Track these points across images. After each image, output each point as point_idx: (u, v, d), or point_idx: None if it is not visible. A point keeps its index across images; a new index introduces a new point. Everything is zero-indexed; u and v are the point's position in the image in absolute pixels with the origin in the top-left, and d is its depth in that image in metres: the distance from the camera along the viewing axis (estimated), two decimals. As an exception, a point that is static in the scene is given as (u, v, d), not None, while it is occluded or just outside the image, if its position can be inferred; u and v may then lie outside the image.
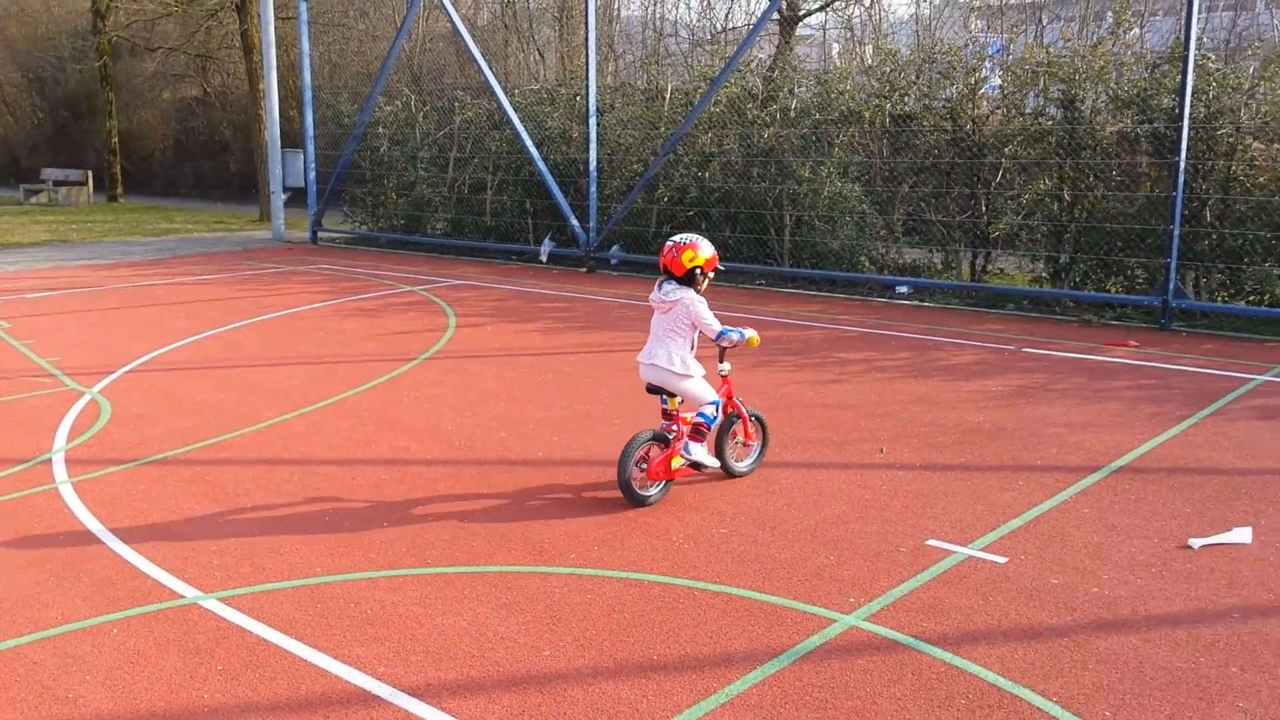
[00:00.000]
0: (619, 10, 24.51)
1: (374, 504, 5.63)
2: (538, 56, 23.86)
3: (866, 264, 13.12)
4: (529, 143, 15.43)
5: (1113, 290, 11.48)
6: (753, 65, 15.18)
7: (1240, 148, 10.73)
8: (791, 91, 13.89)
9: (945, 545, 4.99)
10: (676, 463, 5.60)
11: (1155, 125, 10.97)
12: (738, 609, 4.36)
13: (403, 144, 17.95)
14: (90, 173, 29.98)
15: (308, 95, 18.55)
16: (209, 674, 3.89)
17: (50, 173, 30.40)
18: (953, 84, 12.67)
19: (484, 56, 17.17)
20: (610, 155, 15.23)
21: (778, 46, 20.64)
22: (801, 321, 10.96)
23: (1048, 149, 11.75)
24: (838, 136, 13.16)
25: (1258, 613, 4.30)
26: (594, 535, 5.16)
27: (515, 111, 15.80)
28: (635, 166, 15.06)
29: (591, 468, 6.20)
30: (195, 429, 7.05)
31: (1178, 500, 5.59)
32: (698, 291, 5.55)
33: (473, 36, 17.98)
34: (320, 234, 18.96)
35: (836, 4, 22.05)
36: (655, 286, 5.62)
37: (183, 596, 4.53)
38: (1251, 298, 10.80)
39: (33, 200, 28.74)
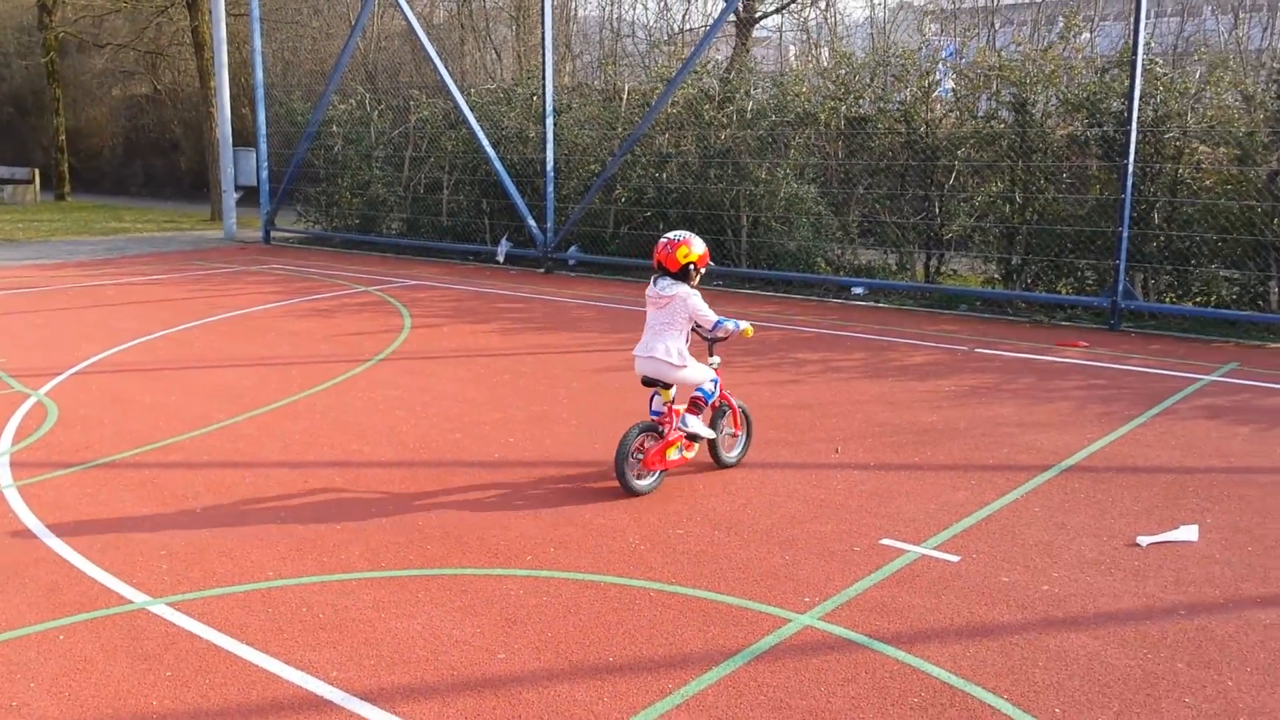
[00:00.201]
0: (576, 10, 24.49)
1: (327, 507, 5.57)
2: (494, 56, 23.76)
3: (822, 265, 13.20)
4: (485, 142, 15.37)
5: (1063, 291, 11.64)
6: (709, 67, 15.22)
7: (1187, 151, 10.93)
8: (748, 93, 13.95)
9: (899, 544, 5.03)
10: (671, 454, 5.75)
11: (1104, 129, 11.14)
12: (694, 610, 4.37)
13: (357, 143, 17.79)
14: (37, 171, 29.40)
15: (260, 93, 18.33)
16: (158, 680, 3.83)
17: (-5, 170, 29.80)
18: (907, 87, 12.79)
19: (440, 55, 17.07)
20: (567, 155, 15.21)
21: (734, 48, 20.71)
22: (758, 322, 10.99)
23: (1000, 152, 11.89)
24: (794, 138, 13.24)
25: (1204, 610, 4.37)
26: (550, 537, 5.14)
27: (472, 111, 15.72)
28: (593, 167, 15.05)
29: (549, 469, 6.18)
30: (144, 431, 6.94)
31: (1126, 499, 5.67)
32: (691, 286, 5.73)
33: (429, 35, 17.87)
34: (273, 233, 18.75)
35: (792, 6, 22.18)
36: (651, 283, 5.77)
37: (131, 601, 4.46)
38: (1199, 299, 11.00)
39: (-23, 198, 28.16)
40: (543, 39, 14.53)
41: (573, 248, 14.83)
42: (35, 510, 5.49)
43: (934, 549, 4.98)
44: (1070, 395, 7.90)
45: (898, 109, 12.65)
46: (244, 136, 21.58)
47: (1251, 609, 4.38)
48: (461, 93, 16.07)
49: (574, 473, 6.11)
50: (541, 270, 14.94)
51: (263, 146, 18.46)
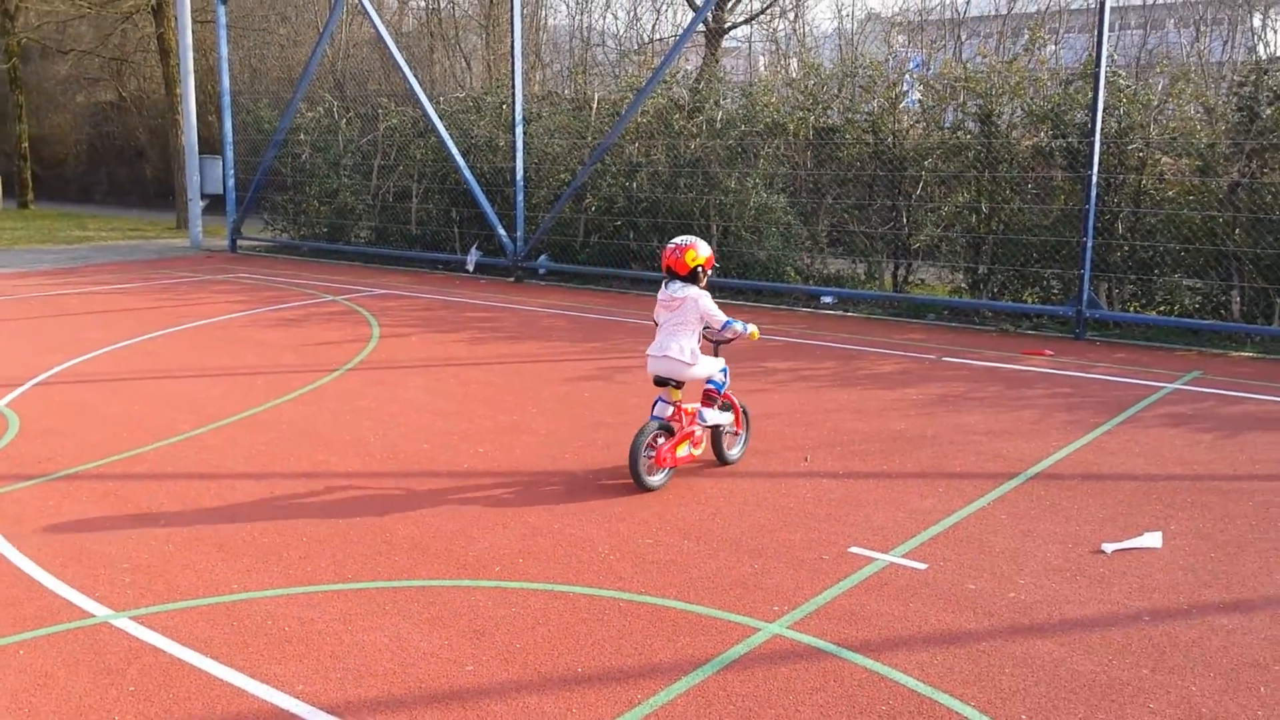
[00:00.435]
0: (546, 19, 24.50)
1: (292, 518, 5.52)
2: (464, 64, 23.71)
3: (792, 274, 13.26)
4: (455, 151, 15.33)
5: (1029, 300, 11.75)
6: (679, 76, 15.27)
7: (1150, 162, 11.07)
8: (717, 103, 14.00)
9: (867, 552, 5.05)
10: (681, 450, 5.98)
11: (1069, 140, 11.26)
12: (663, 619, 4.36)
13: (325, 151, 17.70)
14: (-1, 178, 29.06)
15: (226, 100, 18.20)
16: (120, 695, 3.78)
17: (-43, 178, 29.38)
18: (874, 98, 12.88)
19: (409, 63, 17.02)
20: (537, 164, 15.19)
21: (704, 58, 20.79)
22: (727, 331, 11.02)
23: (966, 162, 12.00)
24: (763, 148, 13.30)
25: (1167, 615, 4.42)
26: (519, 548, 5.12)
27: (441, 119, 15.68)
28: (563, 176, 15.04)
29: (518, 479, 6.16)
30: (107, 443, 6.85)
31: (1092, 506, 5.73)
32: (700, 288, 5.97)
33: (397, 43, 17.81)
34: (240, 242, 18.60)
35: (761, 17, 22.31)
36: (662, 286, 6.03)
37: (93, 615, 4.39)
38: (1162, 308, 11.13)
39: (-62, 206, 27.75)
40: (512, 48, 14.53)
41: (543, 256, 14.81)
42: (-5, 523, 5.41)
43: (902, 557, 5.00)
44: (1036, 403, 7.97)
45: (865, 119, 12.74)
46: (210, 144, 21.39)
47: (1214, 614, 4.43)
48: (431, 101, 16.02)
49: (543, 483, 6.09)
50: (511, 279, 14.91)
51: (229, 154, 18.32)
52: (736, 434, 6.47)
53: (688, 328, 5.95)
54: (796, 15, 22.22)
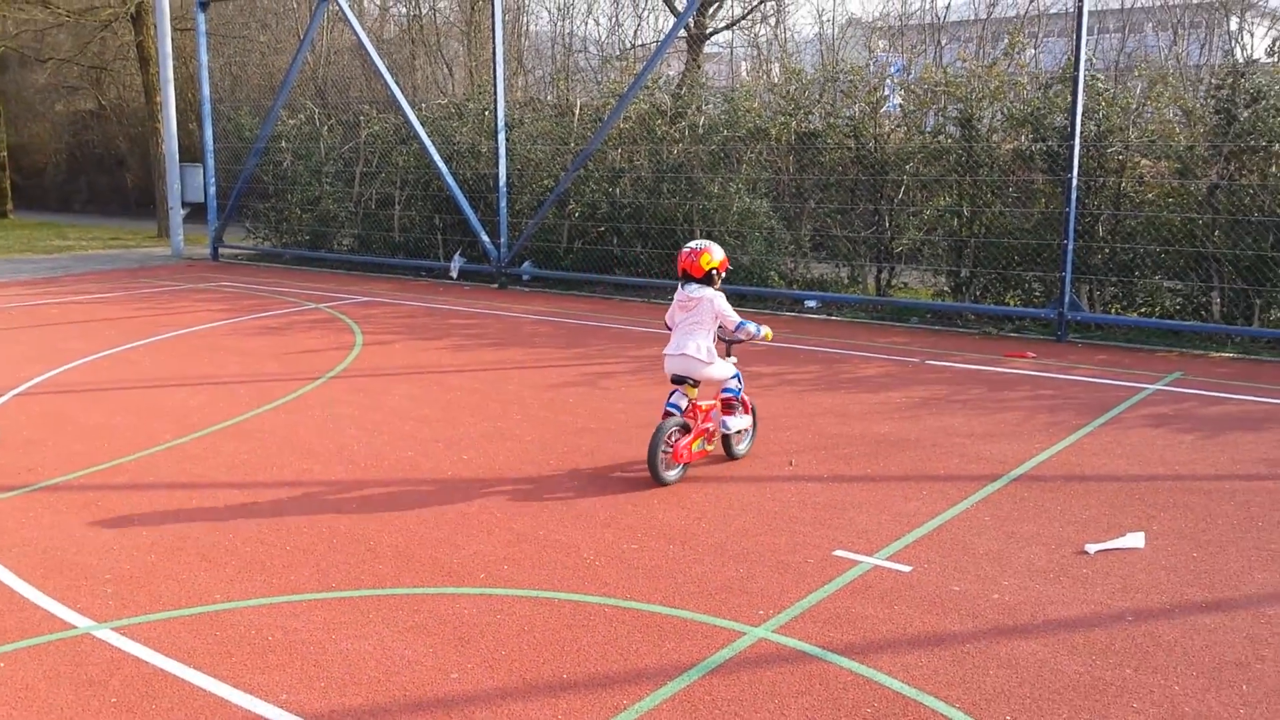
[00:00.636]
0: (528, 25, 24.49)
1: (275, 527, 5.49)
2: (446, 71, 23.69)
3: (775, 278, 13.28)
4: (437, 158, 15.30)
5: (1011, 303, 11.80)
6: (661, 82, 15.29)
7: (1129, 165, 11.13)
8: (700, 108, 14.02)
9: (852, 555, 5.06)
10: (695, 447, 6.19)
11: (1049, 143, 11.32)
12: (648, 625, 4.36)
13: (307, 158, 17.64)
14: (-22, 188, 28.83)
15: (206, 108, 18.12)
16: (102, 707, 3.75)
17: (-66, 188, 29.13)
18: (855, 102, 12.92)
19: (391, 70, 16.98)
20: (520, 171, 15.18)
21: (686, 64, 20.83)
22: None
23: (947, 166, 12.04)
24: (746, 153, 13.32)
25: (1150, 615, 4.44)
26: (504, 554, 5.11)
27: (423, 126, 15.65)
28: (546, 182, 15.03)
29: (502, 486, 6.15)
30: (89, 453, 6.81)
31: (1074, 507, 5.75)
32: (715, 289, 6.23)
33: (379, 50, 17.78)
34: (221, 250, 18.51)
35: (743, 23, 22.36)
36: (679, 287, 6.29)
37: (75, 627, 4.36)
38: (1143, 309, 11.20)
39: (-85, 216, 27.52)
40: (494, 54, 14.51)
41: (527, 263, 14.80)
42: (-26, 535, 5.36)
43: (886, 560, 5.01)
44: (1019, 405, 8.00)
45: (847, 124, 12.78)
46: (191, 152, 21.32)
47: (1196, 613, 4.45)
48: (413, 108, 15.99)
49: (528, 490, 6.08)
50: (495, 286, 14.89)
51: (210, 162, 18.23)
52: (744, 431, 6.67)
53: (703, 327, 6.19)
54: (778, 21, 22.31)
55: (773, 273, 13.31)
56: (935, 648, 4.15)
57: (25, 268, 17.23)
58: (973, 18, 19.68)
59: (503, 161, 14.58)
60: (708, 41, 22.07)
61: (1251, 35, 17.74)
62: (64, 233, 23.85)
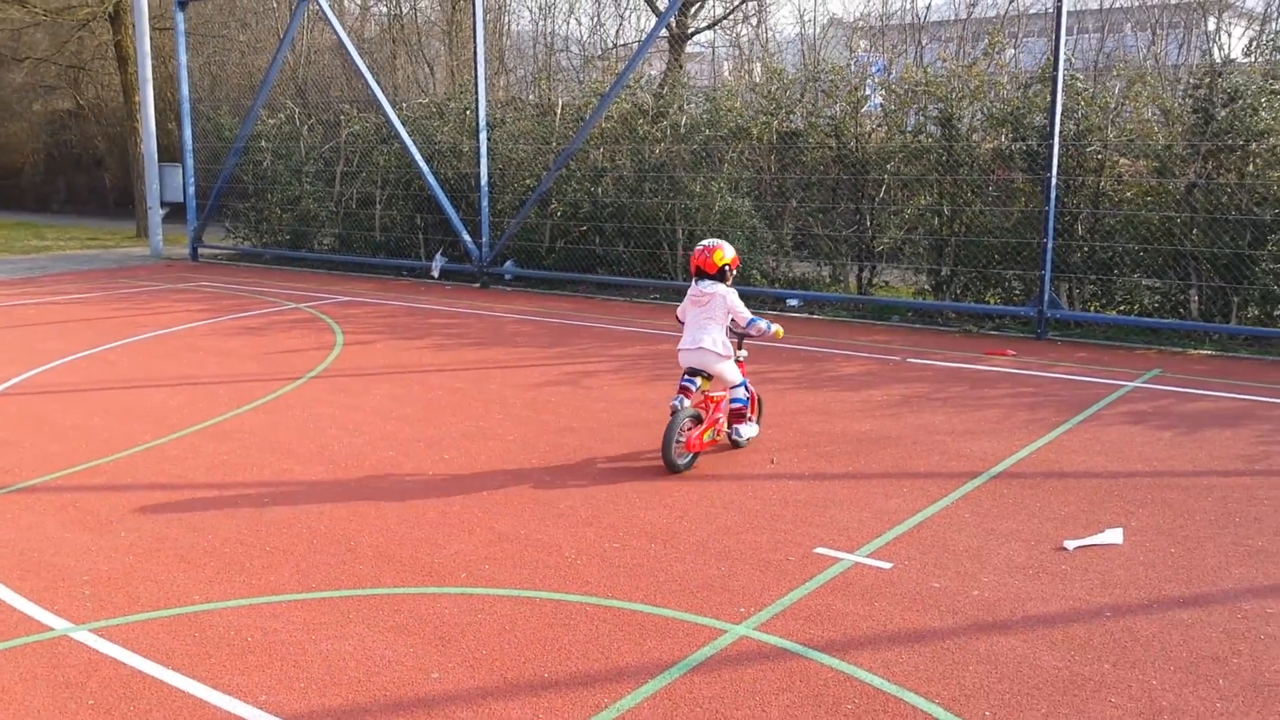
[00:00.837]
0: (509, 25, 24.46)
1: (255, 528, 5.47)
2: (427, 70, 23.62)
3: (758, 277, 13.30)
4: (418, 157, 15.25)
5: (991, 301, 11.85)
6: (643, 81, 15.28)
7: (1108, 164, 11.20)
8: (682, 108, 14.02)
9: (833, 553, 5.07)
10: (705, 437, 6.43)
11: (1028, 143, 11.38)
12: (630, 623, 4.36)
13: (287, 158, 17.55)
14: (-46, 188, 28.59)
15: (186, 108, 18.01)
16: (80, 709, 3.72)
17: (-90, 188, 28.88)
18: (837, 102, 12.96)
19: (371, 69, 16.92)
20: (502, 170, 15.15)
21: (668, 63, 20.84)
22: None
23: (927, 165, 12.09)
24: (727, 152, 13.33)
25: (1129, 611, 4.47)
26: (485, 554, 5.10)
27: (404, 125, 15.60)
28: (528, 181, 15.01)
29: (484, 486, 6.14)
30: (66, 454, 6.76)
31: (1054, 503, 5.78)
32: (727, 285, 6.48)
33: (359, 49, 17.71)
34: (201, 250, 18.41)
35: (725, 23, 22.39)
36: (692, 283, 6.54)
37: (52, 629, 4.33)
38: (1122, 307, 11.27)
39: (-109, 216, 27.24)
40: (475, 53, 14.48)
41: (508, 263, 14.78)
42: (-50, 537, 5.32)
43: (867, 557, 5.03)
44: (999, 403, 8.04)
45: (828, 124, 12.82)
46: (170, 152, 21.18)
47: (1174, 609, 4.48)
48: (393, 107, 15.94)
49: (509, 489, 6.07)
50: (477, 285, 14.85)
51: (189, 162, 18.13)
52: (751, 421, 6.92)
53: (716, 321, 6.44)
54: (759, 21, 22.36)
55: (755, 271, 13.33)
56: (915, 644, 4.16)
57: (2, 268, 17.09)
58: (953, 18, 19.75)
59: (484, 161, 14.55)
60: (689, 41, 22.10)
61: (1229, 35, 17.86)
62: (42, 233, 23.66)
